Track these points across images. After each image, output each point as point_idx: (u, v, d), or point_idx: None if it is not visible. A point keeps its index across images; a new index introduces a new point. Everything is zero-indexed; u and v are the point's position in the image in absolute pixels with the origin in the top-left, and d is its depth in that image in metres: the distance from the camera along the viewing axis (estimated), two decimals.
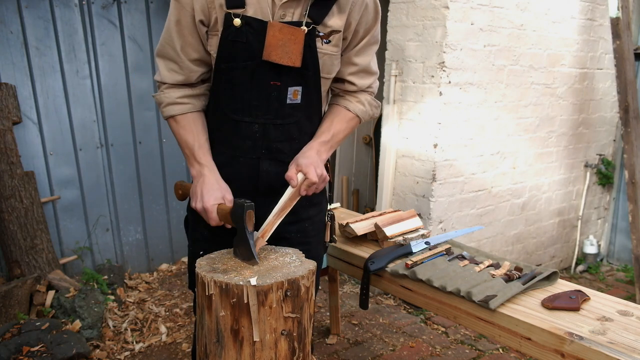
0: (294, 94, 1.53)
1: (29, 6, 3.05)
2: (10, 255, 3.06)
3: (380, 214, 2.36)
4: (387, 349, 2.86)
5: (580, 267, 4.30)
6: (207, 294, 1.33)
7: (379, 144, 3.47)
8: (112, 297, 3.22)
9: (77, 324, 2.80)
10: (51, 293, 2.99)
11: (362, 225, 2.26)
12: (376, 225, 2.22)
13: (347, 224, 2.25)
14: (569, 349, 1.51)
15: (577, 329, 1.56)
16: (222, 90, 1.53)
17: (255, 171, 1.58)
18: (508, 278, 1.85)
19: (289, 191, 1.48)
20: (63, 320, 2.84)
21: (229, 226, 1.49)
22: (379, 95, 3.46)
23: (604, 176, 4.29)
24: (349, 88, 1.64)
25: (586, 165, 4.17)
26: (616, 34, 3.48)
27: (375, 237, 2.25)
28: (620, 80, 3.51)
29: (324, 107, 1.68)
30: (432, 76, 3.06)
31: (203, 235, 1.63)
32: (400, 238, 2.22)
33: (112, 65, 3.37)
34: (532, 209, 3.87)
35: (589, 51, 3.84)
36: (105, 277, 3.36)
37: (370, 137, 4.49)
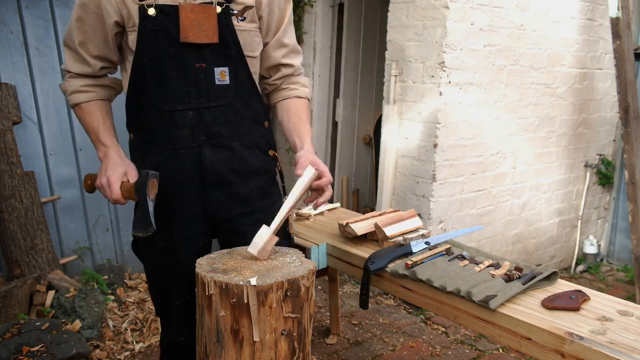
0: (222, 75, 1.54)
1: (29, 6, 3.05)
2: (10, 255, 3.06)
3: (380, 214, 2.36)
4: (387, 349, 2.86)
5: (580, 267, 4.30)
6: (207, 294, 1.33)
7: (379, 144, 3.48)
8: (112, 297, 3.22)
9: (77, 324, 2.80)
10: (51, 293, 2.99)
11: (362, 225, 2.26)
12: (376, 225, 2.22)
13: (347, 224, 2.25)
14: (569, 349, 1.51)
15: (577, 329, 1.56)
16: (149, 83, 1.53)
17: (198, 161, 1.56)
18: (508, 278, 1.85)
19: (303, 182, 1.49)
20: (63, 320, 2.84)
21: (133, 200, 1.50)
22: (379, 95, 3.47)
23: (604, 176, 4.29)
24: (287, 71, 1.68)
25: (586, 165, 4.17)
26: (616, 34, 3.48)
27: (375, 237, 2.25)
28: (620, 80, 3.51)
29: (261, 89, 1.72)
30: (432, 76, 3.06)
31: (158, 247, 1.63)
32: (400, 238, 2.22)
33: None
34: (532, 209, 3.87)
35: (589, 51, 3.84)
36: (105, 277, 3.35)
37: (370, 137, 4.50)
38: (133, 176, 1.50)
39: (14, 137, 3.04)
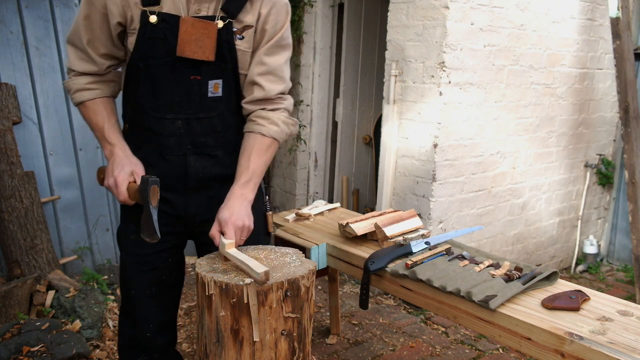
0: (215, 87, 1.55)
1: (29, 6, 3.05)
2: (10, 255, 3.06)
3: (380, 214, 2.36)
4: (387, 349, 2.86)
5: (580, 267, 4.30)
6: (207, 294, 1.33)
7: (379, 144, 3.48)
8: (112, 297, 3.22)
9: (77, 324, 2.80)
10: (51, 293, 2.99)
11: (362, 225, 2.26)
12: (376, 225, 2.22)
13: (347, 224, 2.25)
14: (569, 349, 1.51)
15: (577, 329, 1.56)
16: (142, 89, 1.54)
17: (183, 168, 1.58)
18: (508, 278, 1.85)
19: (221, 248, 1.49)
20: (63, 320, 2.84)
21: (139, 202, 1.50)
22: (379, 95, 3.47)
23: (604, 176, 4.29)
24: (259, 94, 1.58)
25: (586, 165, 4.17)
26: (616, 34, 3.48)
27: (375, 237, 2.25)
28: (620, 80, 3.51)
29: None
30: (432, 76, 3.06)
31: (130, 239, 1.64)
32: (400, 238, 2.22)
33: None
34: (532, 209, 3.87)
35: (589, 51, 3.84)
36: (105, 277, 3.35)
37: (370, 137, 4.50)
38: (138, 174, 1.51)
39: (14, 137, 3.04)
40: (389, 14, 3.25)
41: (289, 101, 1.65)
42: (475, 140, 3.31)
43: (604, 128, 4.23)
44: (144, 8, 1.45)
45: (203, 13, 1.48)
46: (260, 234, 1.72)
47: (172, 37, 1.47)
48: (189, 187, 1.60)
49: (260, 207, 1.73)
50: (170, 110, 1.54)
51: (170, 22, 1.46)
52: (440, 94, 3.04)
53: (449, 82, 3.05)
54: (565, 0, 3.55)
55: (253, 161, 1.55)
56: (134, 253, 1.65)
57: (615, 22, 3.48)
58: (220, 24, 1.48)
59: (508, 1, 3.20)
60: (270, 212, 1.80)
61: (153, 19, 1.45)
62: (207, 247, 1.61)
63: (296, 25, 3.92)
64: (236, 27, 1.51)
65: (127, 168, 1.50)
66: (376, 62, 4.39)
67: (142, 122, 1.57)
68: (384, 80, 3.31)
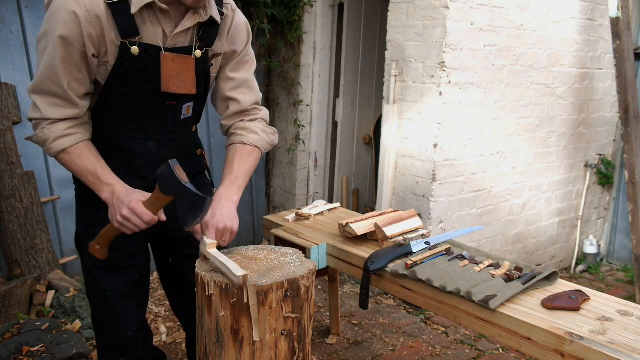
0: (187, 110, 1.62)
1: (29, 6, 3.05)
2: (10, 255, 3.06)
3: (380, 214, 2.36)
4: (387, 349, 2.86)
5: (580, 267, 4.30)
6: (207, 294, 1.33)
7: (379, 144, 3.48)
8: None
9: (77, 324, 2.80)
10: (51, 293, 2.99)
11: (362, 225, 2.26)
12: (376, 225, 2.22)
13: (347, 224, 2.25)
14: (569, 349, 1.51)
15: (577, 329, 1.56)
16: (114, 112, 1.53)
17: (153, 182, 1.50)
18: (508, 278, 1.85)
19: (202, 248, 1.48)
20: (63, 320, 2.84)
21: (163, 217, 1.47)
22: (379, 95, 3.47)
23: (604, 176, 4.29)
24: (234, 108, 1.67)
25: (586, 165, 4.17)
26: (616, 34, 3.48)
27: (375, 237, 2.25)
28: (620, 80, 3.51)
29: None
30: (432, 76, 3.06)
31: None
32: (400, 238, 2.22)
33: None
34: (532, 209, 3.87)
35: (589, 51, 3.85)
36: None
37: (370, 137, 4.50)
38: (148, 196, 1.46)
39: (14, 137, 3.04)
40: (389, 14, 3.25)
41: (264, 112, 1.73)
42: (475, 140, 3.31)
43: (604, 128, 4.23)
44: (124, 40, 1.43)
45: (180, 44, 1.51)
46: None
47: (151, 67, 1.47)
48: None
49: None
50: (143, 132, 1.57)
51: (151, 52, 1.46)
52: (440, 94, 3.04)
53: (449, 82, 3.05)
54: (565, 0, 3.55)
55: (236, 166, 1.61)
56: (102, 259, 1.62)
57: (615, 22, 3.48)
58: (199, 53, 1.53)
59: (508, 1, 3.20)
60: None
61: (135, 50, 1.43)
62: (176, 242, 1.73)
63: (296, 25, 3.92)
64: (210, 54, 1.58)
65: (135, 195, 1.44)
66: (376, 62, 4.39)
67: (113, 140, 1.57)
68: (384, 80, 3.31)
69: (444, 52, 2.98)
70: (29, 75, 3.12)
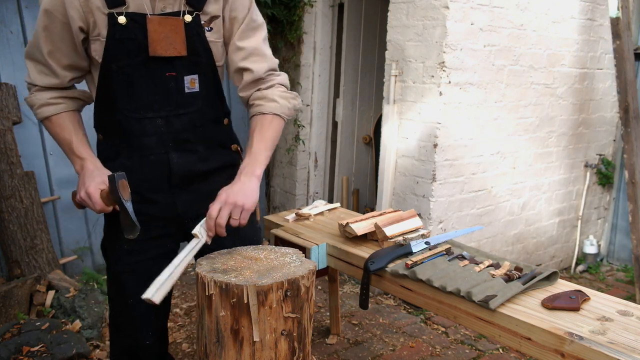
0: (191, 83, 1.55)
1: (29, 6, 3.05)
2: (10, 255, 3.06)
3: (380, 214, 2.36)
4: (387, 349, 2.86)
5: (580, 267, 4.30)
6: (207, 294, 1.33)
7: (379, 144, 3.48)
8: None
9: (77, 324, 2.80)
10: (51, 293, 2.99)
11: (362, 225, 2.26)
12: (376, 225, 2.22)
13: (347, 224, 2.25)
14: (569, 349, 1.51)
15: (577, 329, 1.56)
16: (117, 91, 1.52)
17: (166, 166, 1.57)
18: (508, 278, 1.85)
19: (187, 249, 1.45)
20: (63, 320, 2.84)
21: (117, 208, 1.48)
22: (379, 95, 3.47)
23: (604, 176, 4.29)
24: (248, 77, 1.59)
25: (586, 165, 4.17)
26: (616, 34, 3.48)
27: (375, 237, 2.25)
28: (620, 80, 3.51)
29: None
30: (432, 76, 3.06)
31: (123, 248, 1.61)
32: (400, 238, 2.22)
33: None
34: (532, 209, 3.87)
35: (589, 51, 3.85)
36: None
37: (370, 137, 4.50)
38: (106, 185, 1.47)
39: (14, 137, 3.04)
40: (389, 14, 3.25)
41: (282, 76, 1.64)
42: (475, 140, 3.31)
43: (604, 128, 4.23)
44: (110, 10, 1.43)
45: (169, 9, 1.47)
46: (250, 229, 1.66)
47: (142, 36, 1.46)
48: (173, 185, 1.59)
49: None
50: (149, 109, 1.53)
51: (139, 21, 1.45)
52: (440, 94, 3.04)
53: (449, 82, 3.05)
54: (565, 0, 3.55)
55: (256, 139, 1.54)
56: (128, 262, 1.62)
57: (615, 22, 3.48)
58: (188, 18, 1.48)
59: (508, 1, 3.20)
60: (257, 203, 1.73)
61: (122, 19, 1.43)
62: (202, 246, 1.60)
63: (296, 25, 3.92)
64: (203, 19, 1.52)
65: (98, 178, 1.46)
66: (376, 62, 4.39)
67: (121, 126, 1.55)
68: (384, 80, 3.31)
69: (444, 52, 2.98)
70: None
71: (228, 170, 1.65)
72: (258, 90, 1.60)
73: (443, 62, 3.00)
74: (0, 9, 2.98)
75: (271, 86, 1.60)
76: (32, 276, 2.97)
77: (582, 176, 4.18)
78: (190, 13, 1.49)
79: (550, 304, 1.69)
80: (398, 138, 3.31)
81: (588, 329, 1.56)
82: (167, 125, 1.55)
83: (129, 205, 1.42)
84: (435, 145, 3.11)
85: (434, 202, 3.19)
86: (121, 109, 1.53)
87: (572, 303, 1.69)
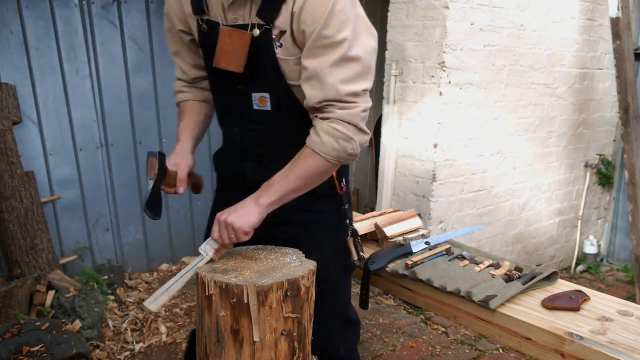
0: (260, 100, 1.46)
1: (29, 6, 3.05)
2: (10, 255, 3.06)
3: (380, 214, 2.36)
4: (387, 349, 2.86)
5: (580, 267, 4.30)
6: (207, 294, 1.33)
7: (379, 144, 3.47)
8: (112, 297, 3.22)
9: (77, 324, 2.80)
10: (51, 293, 2.99)
11: (362, 225, 2.26)
12: (376, 225, 2.22)
13: None
14: (569, 349, 1.51)
15: (577, 329, 1.56)
16: (213, 97, 1.62)
17: (240, 173, 1.60)
18: (508, 278, 1.85)
19: (193, 265, 1.45)
20: (63, 320, 2.84)
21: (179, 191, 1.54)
22: (379, 95, 3.47)
23: (604, 176, 4.29)
24: (306, 102, 1.40)
25: (586, 165, 4.17)
26: (616, 34, 3.48)
27: (375, 237, 2.25)
28: (620, 80, 3.51)
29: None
30: (432, 76, 3.06)
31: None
32: (400, 238, 2.21)
33: (112, 65, 3.37)
34: (532, 209, 3.87)
35: (589, 51, 3.84)
36: (105, 277, 3.35)
37: (370, 137, 4.49)
38: (181, 166, 1.52)
39: (14, 137, 3.04)
40: (389, 14, 3.25)
41: (346, 111, 1.35)
42: (475, 140, 3.31)
43: (604, 128, 4.23)
44: (196, 16, 1.47)
45: (240, 21, 1.40)
46: (333, 266, 1.56)
47: (216, 44, 1.45)
48: (249, 192, 1.48)
49: (334, 229, 1.57)
50: (227, 118, 1.59)
51: (215, 28, 1.44)
52: (440, 94, 3.04)
53: (449, 82, 3.05)
54: (565, 0, 3.55)
55: (284, 169, 1.41)
56: None
57: (615, 22, 3.48)
58: (257, 32, 1.37)
59: (508, 1, 3.20)
60: (351, 239, 1.58)
61: (204, 27, 1.46)
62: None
63: None
64: (274, 33, 1.37)
65: (172, 159, 1.52)
66: (376, 62, 4.38)
67: (220, 124, 1.67)
68: (384, 80, 3.31)
69: (444, 52, 2.98)
70: (29, 75, 3.12)
71: (305, 195, 1.52)
72: (315, 117, 1.41)
73: (443, 62, 3.00)
74: (0, 9, 2.98)
75: (326, 118, 1.37)
76: (32, 276, 2.97)
77: (582, 176, 4.18)
78: (260, 27, 1.37)
79: (550, 304, 1.69)
80: (398, 138, 3.31)
81: (588, 329, 1.56)
82: (240, 138, 1.57)
83: (149, 183, 1.45)
84: (435, 145, 3.11)
85: (434, 202, 3.19)
86: (216, 111, 1.64)
87: (572, 303, 1.69)
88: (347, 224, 1.62)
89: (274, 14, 1.35)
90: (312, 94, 1.36)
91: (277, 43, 1.37)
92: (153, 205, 1.46)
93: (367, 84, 1.37)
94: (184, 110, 1.66)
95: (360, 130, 1.38)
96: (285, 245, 1.53)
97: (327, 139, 1.36)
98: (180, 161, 1.52)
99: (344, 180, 1.62)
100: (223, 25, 1.43)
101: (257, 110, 1.47)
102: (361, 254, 1.63)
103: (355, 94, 1.34)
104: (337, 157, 1.38)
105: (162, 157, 1.46)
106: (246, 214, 1.40)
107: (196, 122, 1.64)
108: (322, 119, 1.37)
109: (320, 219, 1.58)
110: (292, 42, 1.37)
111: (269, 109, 1.46)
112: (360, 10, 1.39)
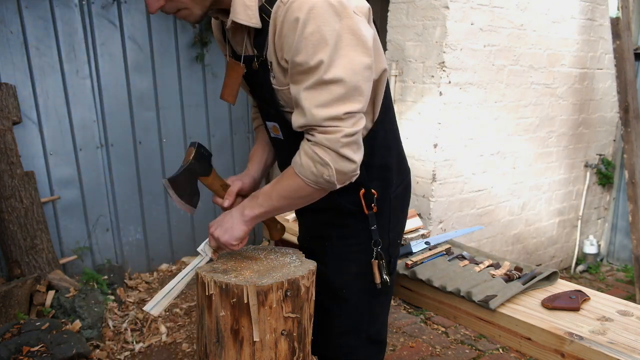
0: (274, 130, 1.48)
1: (29, 6, 3.05)
2: (10, 255, 3.06)
3: None
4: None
5: (580, 267, 4.30)
6: (207, 294, 1.33)
7: None
8: (112, 297, 3.22)
9: (77, 324, 2.80)
10: (51, 293, 2.99)
11: None
12: None
13: None
14: (569, 349, 1.51)
15: (577, 329, 1.56)
16: None
17: None
18: (508, 278, 1.85)
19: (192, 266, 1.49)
20: (63, 320, 2.84)
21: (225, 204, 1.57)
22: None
23: (604, 176, 4.29)
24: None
25: (586, 165, 4.17)
26: (616, 34, 3.48)
27: None
28: (620, 80, 3.51)
29: None
30: (432, 76, 3.06)
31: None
32: None
33: (112, 65, 3.37)
34: (532, 209, 3.87)
35: (589, 51, 3.84)
36: (105, 277, 3.35)
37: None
38: (236, 183, 1.58)
39: (14, 137, 3.04)
40: (389, 14, 3.25)
41: (327, 136, 1.26)
42: (475, 140, 3.31)
43: (604, 128, 4.23)
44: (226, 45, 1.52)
45: (249, 53, 1.41)
46: (355, 284, 1.54)
47: None
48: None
49: (358, 247, 1.54)
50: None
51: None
52: (440, 93, 3.04)
53: (449, 82, 3.05)
54: (565, 0, 3.55)
55: (270, 184, 1.41)
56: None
57: (615, 22, 3.48)
58: (256, 65, 1.37)
59: (508, 1, 3.20)
60: (376, 261, 1.52)
61: (229, 57, 1.49)
62: (313, 258, 1.56)
63: None
64: (269, 65, 1.35)
65: (235, 177, 1.60)
66: None
67: None
68: None
69: (444, 52, 2.98)
70: (29, 75, 3.12)
71: (328, 212, 1.53)
72: (303, 138, 1.35)
73: (443, 62, 3.00)
74: (0, 9, 2.98)
75: (310, 141, 1.31)
76: (32, 276, 2.97)
77: (582, 176, 4.18)
78: (257, 58, 1.36)
79: (550, 304, 1.69)
80: None
81: (588, 329, 1.56)
82: (278, 162, 1.66)
83: (180, 167, 1.50)
84: (435, 145, 3.11)
85: (434, 202, 3.19)
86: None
87: (572, 303, 1.69)
88: (372, 245, 1.54)
89: (264, 46, 1.33)
90: (295, 120, 1.32)
91: (271, 74, 1.35)
92: (183, 192, 1.50)
93: (353, 105, 1.24)
94: (257, 135, 1.73)
95: (342, 156, 1.26)
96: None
97: (306, 162, 1.30)
98: (238, 180, 1.58)
99: (374, 202, 1.52)
100: (230, 57, 1.47)
101: (274, 138, 1.54)
102: (385, 277, 1.55)
103: (336, 118, 1.24)
104: (316, 182, 1.31)
105: (199, 148, 1.51)
106: (231, 229, 1.42)
107: (264, 145, 1.69)
108: (307, 140, 1.32)
109: (347, 235, 1.55)
110: (281, 72, 1.34)
111: (282, 137, 1.47)
112: (356, 19, 1.23)
